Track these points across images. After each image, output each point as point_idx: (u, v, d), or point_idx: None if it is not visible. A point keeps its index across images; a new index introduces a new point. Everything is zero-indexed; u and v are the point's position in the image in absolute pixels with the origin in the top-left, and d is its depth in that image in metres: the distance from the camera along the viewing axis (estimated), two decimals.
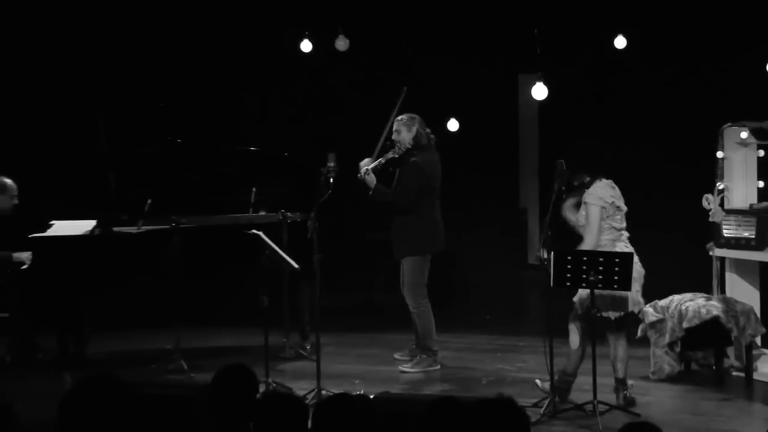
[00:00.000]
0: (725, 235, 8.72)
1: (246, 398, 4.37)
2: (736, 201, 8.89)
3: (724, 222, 8.74)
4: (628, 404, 7.46)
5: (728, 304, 8.28)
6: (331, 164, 7.93)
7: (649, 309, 8.45)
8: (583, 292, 7.38)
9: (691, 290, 8.53)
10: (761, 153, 8.96)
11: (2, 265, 8.76)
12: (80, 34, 12.26)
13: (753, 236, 8.49)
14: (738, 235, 8.66)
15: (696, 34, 11.41)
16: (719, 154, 8.93)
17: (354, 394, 4.14)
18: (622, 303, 7.37)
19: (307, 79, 13.11)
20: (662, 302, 8.44)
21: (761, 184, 8.96)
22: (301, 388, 7.66)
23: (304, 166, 9.47)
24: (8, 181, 9.04)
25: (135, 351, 9.86)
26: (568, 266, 7.09)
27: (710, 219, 8.78)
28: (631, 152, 11.43)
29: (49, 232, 8.94)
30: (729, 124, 8.97)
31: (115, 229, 9.01)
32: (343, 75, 12.86)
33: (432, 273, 9.00)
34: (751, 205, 8.75)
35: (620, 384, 7.54)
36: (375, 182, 8.80)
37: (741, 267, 8.88)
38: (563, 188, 7.56)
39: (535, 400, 7.39)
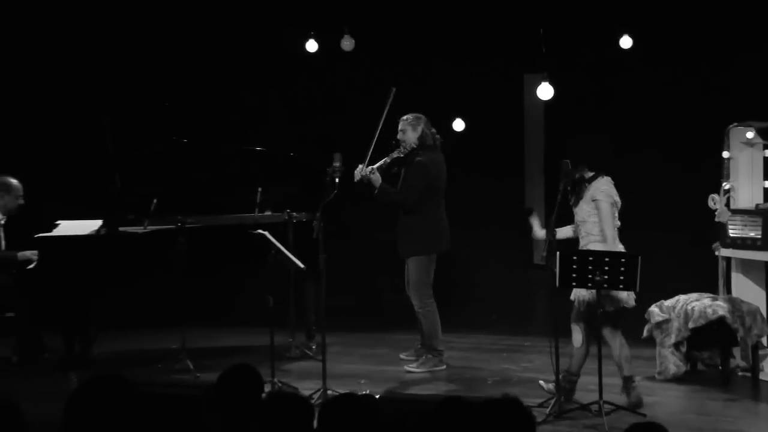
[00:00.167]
0: (731, 235, 8.71)
1: (251, 398, 4.37)
2: (742, 201, 8.87)
3: (730, 222, 8.72)
4: (637, 402, 7.47)
5: (734, 304, 8.27)
6: (337, 164, 7.93)
7: (654, 309, 8.45)
8: (581, 291, 7.38)
9: (697, 290, 8.52)
10: (767, 153, 8.96)
11: (8, 265, 8.79)
12: (86, 35, 12.28)
13: (759, 236, 8.47)
14: (744, 235, 8.65)
15: (701, 33, 11.40)
16: (725, 154, 8.93)
17: (360, 393, 4.14)
18: (617, 297, 7.37)
19: (308, 79, 13.10)
20: (668, 302, 8.44)
21: (767, 184, 8.95)
22: (307, 388, 7.65)
23: (310, 166, 9.47)
24: (13, 181, 9.06)
25: (141, 351, 9.87)
26: (574, 266, 7.09)
27: (716, 219, 8.77)
28: (636, 152, 11.42)
29: (55, 232, 8.97)
30: (735, 124, 8.96)
31: (121, 228, 9.02)
32: (345, 75, 12.86)
33: (437, 273, 9.01)
34: (757, 205, 8.73)
35: (628, 382, 7.54)
36: (380, 181, 8.80)
37: (747, 267, 8.87)
38: (569, 188, 7.55)
39: (540, 400, 7.38)
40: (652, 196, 11.33)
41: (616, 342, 7.51)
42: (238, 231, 8.98)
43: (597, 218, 7.44)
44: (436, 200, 8.93)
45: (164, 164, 9.29)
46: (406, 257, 8.95)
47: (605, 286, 7.08)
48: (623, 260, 7.04)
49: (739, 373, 8.40)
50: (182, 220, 8.89)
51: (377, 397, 4.86)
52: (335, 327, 9.02)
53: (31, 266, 8.74)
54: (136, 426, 3.50)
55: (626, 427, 3.63)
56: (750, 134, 8.85)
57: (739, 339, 8.19)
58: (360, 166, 8.78)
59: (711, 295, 8.48)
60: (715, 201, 8.77)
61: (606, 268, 7.01)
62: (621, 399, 7.45)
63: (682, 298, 8.41)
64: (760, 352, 8.39)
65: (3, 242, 8.99)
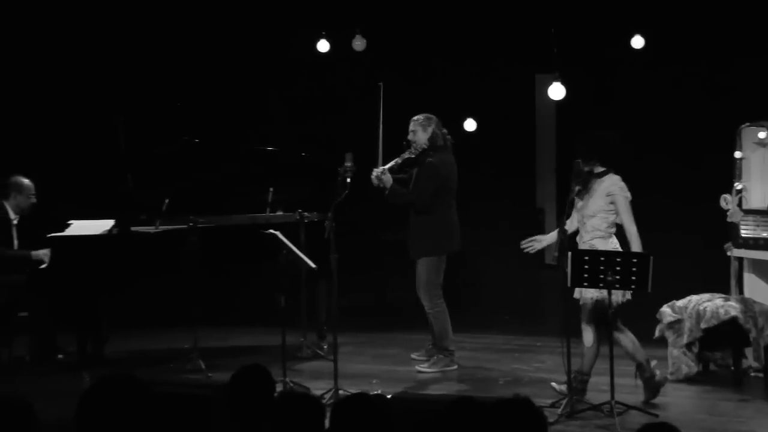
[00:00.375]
0: (743, 235, 8.70)
1: (263, 399, 4.37)
2: (755, 201, 8.86)
3: (742, 222, 8.71)
4: (657, 384, 7.56)
5: (746, 304, 8.25)
6: (349, 164, 7.94)
7: (666, 309, 8.44)
8: (588, 291, 7.37)
9: (709, 291, 8.50)
10: None
11: (21, 265, 8.81)
12: (99, 36, 12.31)
13: None
14: (756, 236, 8.64)
15: (713, 32, 11.37)
16: (737, 154, 8.91)
17: (371, 393, 4.14)
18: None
19: (319, 79, 13.11)
20: (680, 303, 8.42)
21: None
22: (319, 388, 7.66)
23: (321, 166, 9.48)
24: (25, 180, 9.08)
25: (153, 350, 9.89)
26: (585, 266, 7.08)
27: (728, 219, 8.75)
28: (648, 152, 11.41)
29: (68, 232, 8.99)
30: (747, 123, 8.95)
31: (133, 228, 9.04)
32: (355, 75, 12.87)
33: (448, 273, 9.01)
34: None
35: (646, 366, 7.57)
36: (391, 182, 8.80)
37: (759, 267, 8.85)
38: (580, 188, 7.55)
39: (552, 401, 7.38)
40: (664, 196, 11.31)
41: (626, 337, 7.53)
42: (249, 231, 8.99)
43: (607, 214, 7.44)
44: (447, 201, 8.93)
45: (176, 164, 9.30)
46: (417, 257, 8.95)
47: (617, 286, 7.07)
48: (635, 260, 7.03)
49: (752, 374, 8.37)
50: (194, 219, 8.91)
51: (389, 397, 4.86)
52: (347, 327, 9.03)
53: (44, 266, 8.76)
54: (148, 425, 3.50)
55: (638, 428, 3.62)
56: (762, 134, 8.83)
57: (751, 339, 8.17)
58: (374, 169, 8.81)
59: (723, 295, 8.47)
60: (727, 201, 8.76)
61: (618, 268, 7.00)
62: (634, 397, 7.47)
63: (694, 298, 8.40)
64: None
65: (16, 242, 9.01)
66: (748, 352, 8.32)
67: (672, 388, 8.14)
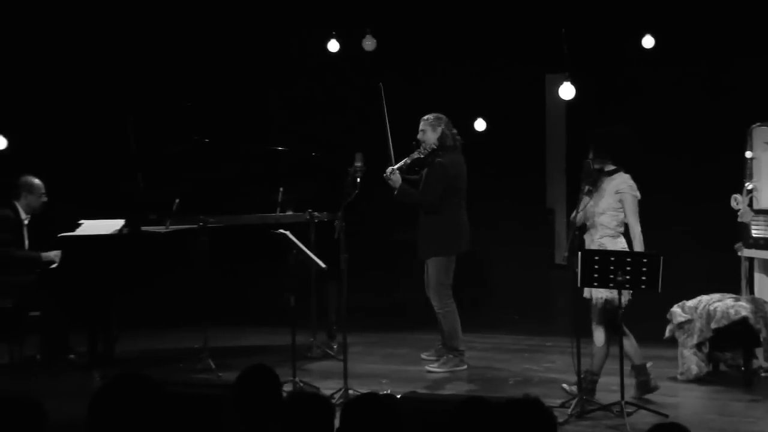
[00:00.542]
0: (754, 235, 8.68)
1: (269, 399, 4.37)
2: (765, 201, 8.84)
3: (752, 222, 8.70)
4: (650, 390, 7.61)
5: (757, 304, 8.23)
6: (359, 164, 7.94)
7: (677, 309, 8.43)
8: (600, 291, 7.36)
9: (720, 291, 8.49)
10: None
11: (32, 265, 8.83)
12: (109, 36, 12.33)
13: None
14: (767, 236, 8.62)
15: (723, 32, 11.35)
16: (748, 154, 8.89)
17: (381, 393, 4.14)
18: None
19: (324, 79, 13.12)
20: (690, 303, 8.41)
21: None
22: (329, 388, 7.67)
23: (332, 166, 9.48)
24: (35, 180, 9.11)
25: (163, 350, 9.92)
26: (595, 266, 7.07)
27: (739, 219, 8.74)
28: (658, 152, 11.39)
29: (78, 232, 9.01)
30: (758, 123, 8.93)
31: (143, 228, 9.06)
32: (366, 75, 12.88)
33: (458, 273, 9.01)
34: None
35: (643, 369, 7.58)
36: (400, 182, 8.81)
37: None
38: (590, 188, 7.54)
39: (562, 401, 7.38)
40: (675, 195, 11.29)
41: (628, 336, 7.55)
42: (259, 231, 9.00)
43: (616, 212, 7.43)
44: (456, 201, 8.92)
45: (186, 164, 9.32)
46: (426, 258, 8.96)
47: (627, 286, 7.06)
48: (645, 260, 7.02)
49: (762, 374, 8.35)
50: (204, 219, 8.92)
51: (398, 396, 4.86)
52: (356, 327, 9.03)
53: (54, 266, 8.78)
54: (160, 425, 3.51)
55: (648, 428, 3.62)
56: None
57: (761, 340, 8.16)
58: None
59: (733, 295, 8.45)
60: (737, 201, 8.74)
61: (628, 268, 6.99)
62: (644, 398, 7.48)
63: (704, 298, 8.38)
64: None
65: (27, 242, 9.03)
66: (759, 352, 8.30)
67: (682, 388, 8.15)
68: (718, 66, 11.63)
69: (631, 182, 7.48)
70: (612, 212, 7.45)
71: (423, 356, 9.25)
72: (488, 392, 7.96)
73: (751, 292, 8.78)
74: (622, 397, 7.07)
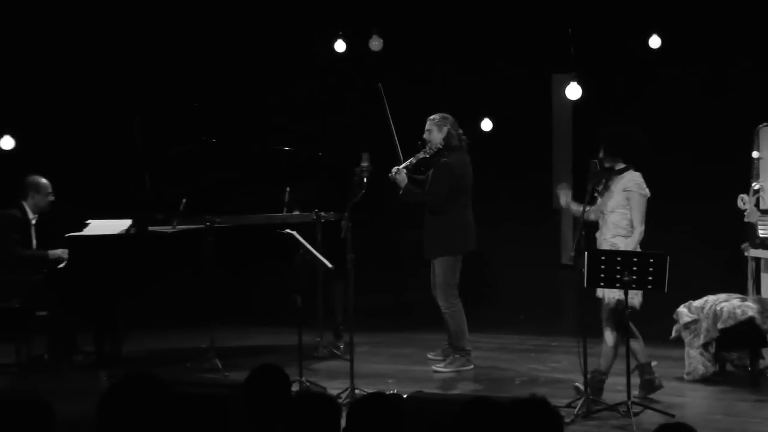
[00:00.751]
0: (761, 235, 8.67)
1: (278, 398, 4.38)
2: None
3: (759, 222, 8.69)
4: (654, 388, 7.62)
5: (763, 304, 8.23)
6: (365, 164, 7.93)
7: (683, 309, 8.43)
8: (611, 291, 7.36)
9: (726, 291, 8.49)
10: None
11: (39, 264, 8.85)
12: (116, 36, 12.35)
13: None
14: None
15: (729, 32, 11.34)
16: (755, 154, 8.89)
17: (387, 393, 4.15)
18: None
19: (330, 79, 13.13)
20: (697, 303, 8.40)
21: None
22: (335, 388, 7.67)
23: (338, 166, 9.49)
24: (42, 179, 9.12)
25: (170, 350, 9.93)
26: (602, 266, 7.07)
27: (745, 219, 8.73)
28: (665, 152, 11.37)
29: (85, 232, 9.03)
30: (764, 123, 8.93)
31: (150, 228, 9.07)
32: (372, 75, 12.89)
33: (464, 273, 9.01)
34: None
35: (648, 368, 7.58)
36: (406, 182, 8.81)
37: None
38: (597, 188, 7.55)
39: (568, 400, 7.37)
40: (681, 196, 11.28)
41: (635, 339, 7.56)
42: (266, 231, 9.01)
43: (626, 210, 7.44)
44: (462, 201, 8.93)
45: (193, 164, 9.33)
46: (432, 258, 8.96)
47: (634, 286, 7.06)
48: (652, 260, 7.02)
49: None
50: (211, 219, 8.93)
51: (405, 396, 4.86)
52: (363, 327, 9.04)
53: (62, 265, 8.80)
54: (168, 425, 3.52)
55: (655, 428, 3.62)
56: None
57: None
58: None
59: (740, 295, 8.45)
60: (744, 201, 8.74)
61: (634, 268, 6.99)
62: (650, 397, 7.48)
63: (710, 298, 8.38)
64: None
65: (34, 241, 9.05)
66: (765, 352, 8.30)
67: (689, 388, 8.15)
68: (724, 66, 11.61)
69: (640, 180, 7.48)
70: (621, 210, 7.45)
71: (429, 356, 9.26)
72: (494, 392, 7.97)
73: (758, 292, 8.77)
74: (629, 396, 7.07)
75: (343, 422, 3.93)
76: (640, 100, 12.21)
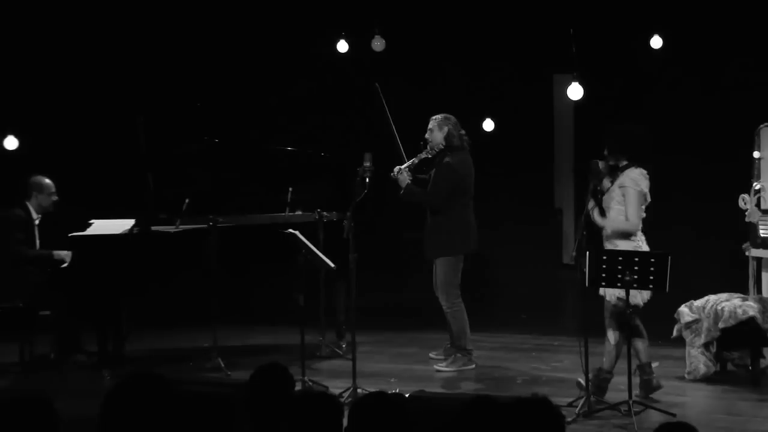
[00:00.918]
0: (762, 235, 8.69)
1: (283, 397, 4.39)
2: None
3: (760, 222, 8.70)
4: (654, 388, 7.63)
5: (764, 304, 8.24)
6: (368, 164, 7.95)
7: (684, 309, 8.44)
8: (614, 290, 7.37)
9: (727, 290, 8.50)
10: None
11: (43, 264, 8.87)
12: (119, 37, 12.37)
13: None
14: None
15: (730, 32, 11.35)
16: (756, 154, 8.90)
17: (389, 392, 4.17)
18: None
19: (330, 79, 13.15)
20: (698, 302, 8.41)
21: None
22: (337, 387, 7.69)
23: (341, 166, 9.51)
24: (45, 179, 9.13)
25: (172, 349, 9.94)
26: (603, 266, 7.08)
27: (747, 219, 8.75)
28: (666, 152, 11.39)
29: (89, 231, 9.04)
30: (765, 124, 8.94)
31: (154, 228, 9.09)
32: (375, 74, 12.90)
33: (466, 273, 9.02)
34: None
35: (648, 368, 7.60)
36: (407, 181, 8.82)
37: None
38: (598, 188, 7.56)
39: (570, 400, 7.38)
40: (683, 195, 11.30)
41: (639, 338, 7.58)
42: (269, 230, 9.02)
43: (621, 206, 7.44)
44: (464, 201, 8.94)
45: (196, 164, 9.35)
46: (432, 258, 8.98)
47: (635, 285, 7.07)
48: (653, 260, 7.03)
49: None
50: (214, 219, 8.93)
51: (407, 395, 4.87)
52: (365, 326, 9.05)
53: (65, 265, 8.82)
54: (172, 424, 3.54)
55: (656, 427, 3.64)
56: None
57: None
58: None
59: (741, 295, 8.46)
60: (745, 201, 8.75)
61: (636, 267, 7.00)
62: (652, 397, 7.50)
63: (712, 298, 8.39)
64: None
65: (38, 241, 9.07)
66: (767, 352, 8.31)
67: (690, 387, 8.16)
68: (725, 66, 11.63)
69: (635, 176, 7.44)
70: (618, 207, 7.45)
71: (431, 355, 9.28)
72: (496, 391, 7.98)
73: (759, 291, 8.79)
74: (630, 396, 7.08)
75: (345, 421, 3.95)
76: (641, 100, 12.23)
